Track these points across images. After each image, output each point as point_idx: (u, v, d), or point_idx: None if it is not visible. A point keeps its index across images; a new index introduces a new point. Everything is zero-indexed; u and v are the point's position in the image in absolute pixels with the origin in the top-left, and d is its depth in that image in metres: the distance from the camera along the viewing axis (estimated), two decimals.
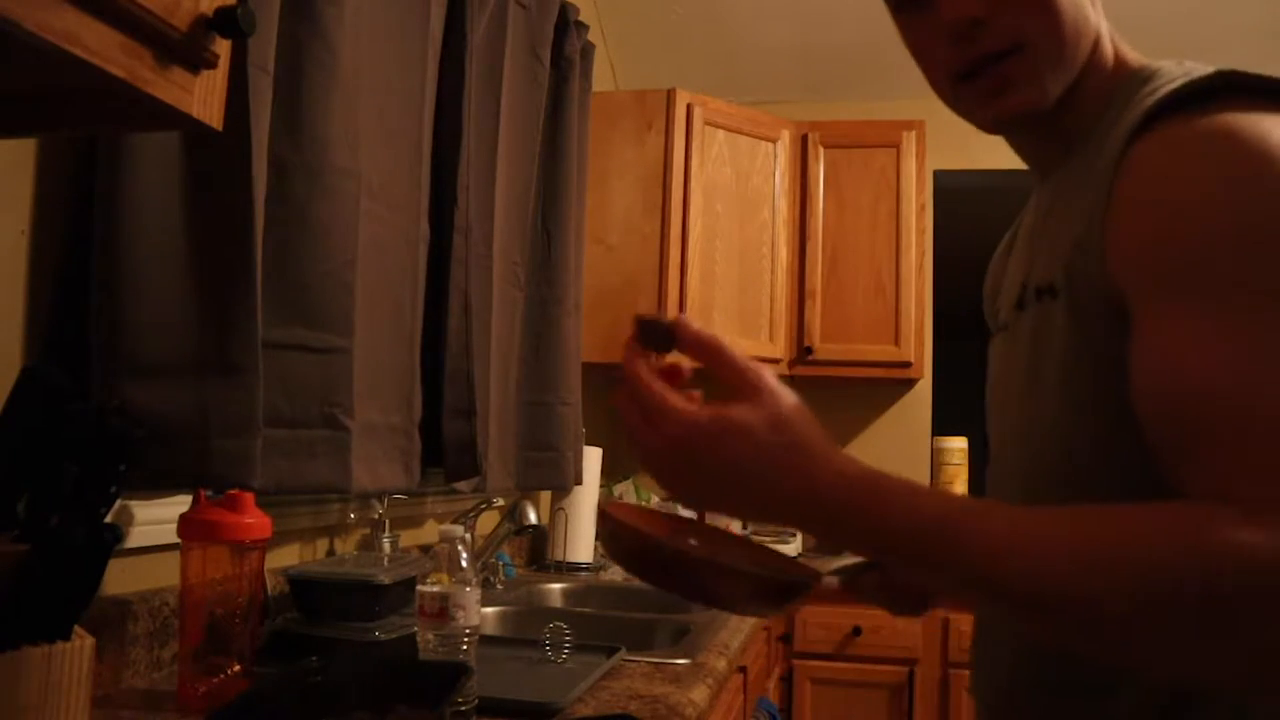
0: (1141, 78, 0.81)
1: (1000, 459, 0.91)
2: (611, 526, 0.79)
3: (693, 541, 0.93)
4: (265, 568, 1.32)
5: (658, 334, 0.72)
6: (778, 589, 0.82)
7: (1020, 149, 0.93)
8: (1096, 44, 0.84)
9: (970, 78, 0.83)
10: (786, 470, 0.67)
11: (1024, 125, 0.86)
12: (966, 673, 1.13)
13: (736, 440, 0.67)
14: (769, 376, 0.70)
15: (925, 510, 0.65)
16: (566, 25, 2.51)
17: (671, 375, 0.72)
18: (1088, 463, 0.78)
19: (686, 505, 0.73)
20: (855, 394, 3.52)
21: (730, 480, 0.68)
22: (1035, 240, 0.89)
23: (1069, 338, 0.78)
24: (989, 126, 0.86)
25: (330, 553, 1.77)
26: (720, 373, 0.70)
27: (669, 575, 0.81)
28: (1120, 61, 0.85)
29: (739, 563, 0.84)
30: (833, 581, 0.99)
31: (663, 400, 0.68)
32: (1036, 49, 0.81)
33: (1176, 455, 0.66)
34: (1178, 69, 0.79)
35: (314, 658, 1.25)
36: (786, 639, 2.91)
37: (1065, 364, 0.79)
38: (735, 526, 2.60)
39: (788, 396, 0.70)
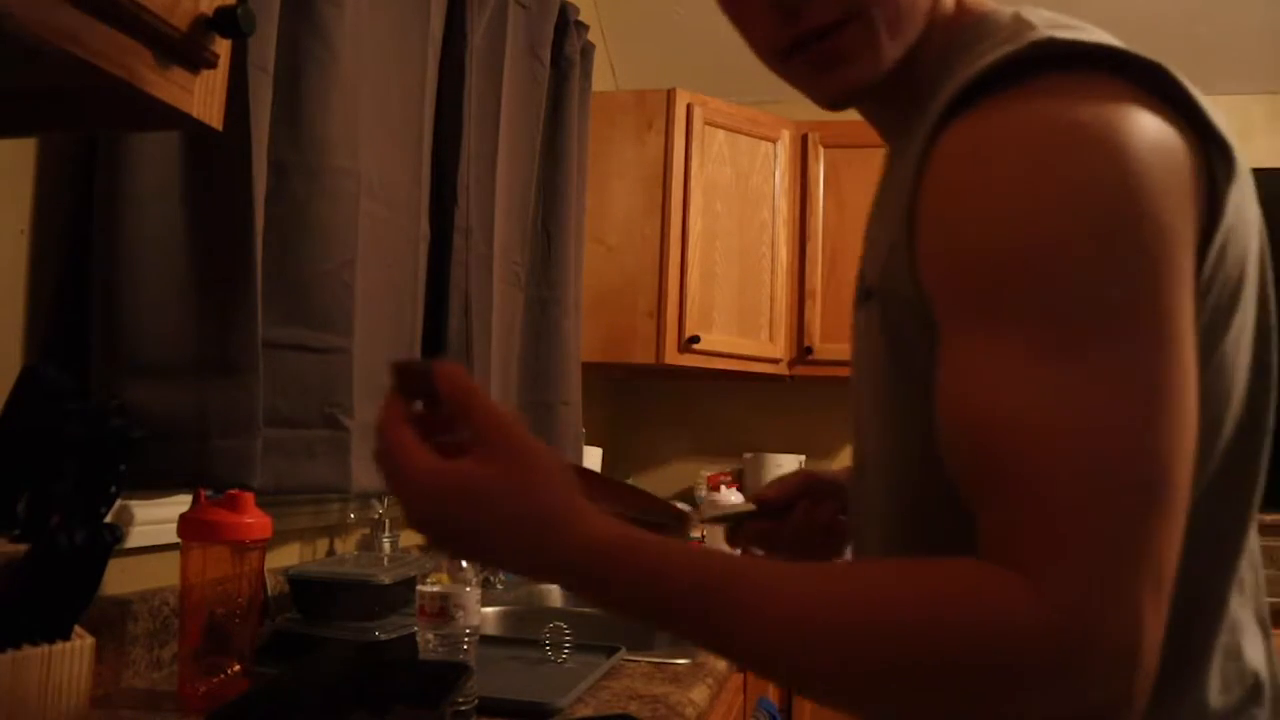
0: (974, 34, 0.72)
1: (860, 438, 0.83)
2: None
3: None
4: (265, 568, 1.32)
5: (414, 380, 0.68)
6: None
7: (865, 114, 0.85)
8: None
9: (797, 50, 0.74)
10: (523, 538, 0.64)
11: (864, 96, 0.78)
12: None
13: (465, 500, 0.64)
14: (516, 435, 0.65)
15: (670, 577, 0.62)
16: (566, 25, 2.51)
17: (441, 423, 0.68)
18: (924, 463, 0.71)
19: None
20: None
21: (464, 537, 0.65)
22: (871, 226, 0.82)
23: (883, 348, 0.73)
24: (825, 104, 0.78)
25: (330, 553, 1.77)
26: (469, 427, 0.66)
27: None
28: (961, 8, 0.77)
29: None
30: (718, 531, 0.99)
31: (399, 450, 0.65)
32: (872, 16, 0.71)
33: (971, 498, 0.61)
34: (1006, 27, 0.70)
35: (314, 658, 1.25)
36: None
37: (881, 371, 0.74)
38: None
39: (534, 458, 0.65)
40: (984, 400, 0.59)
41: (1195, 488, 0.59)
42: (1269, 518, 3.88)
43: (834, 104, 0.78)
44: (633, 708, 1.28)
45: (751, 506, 1.02)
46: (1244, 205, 0.66)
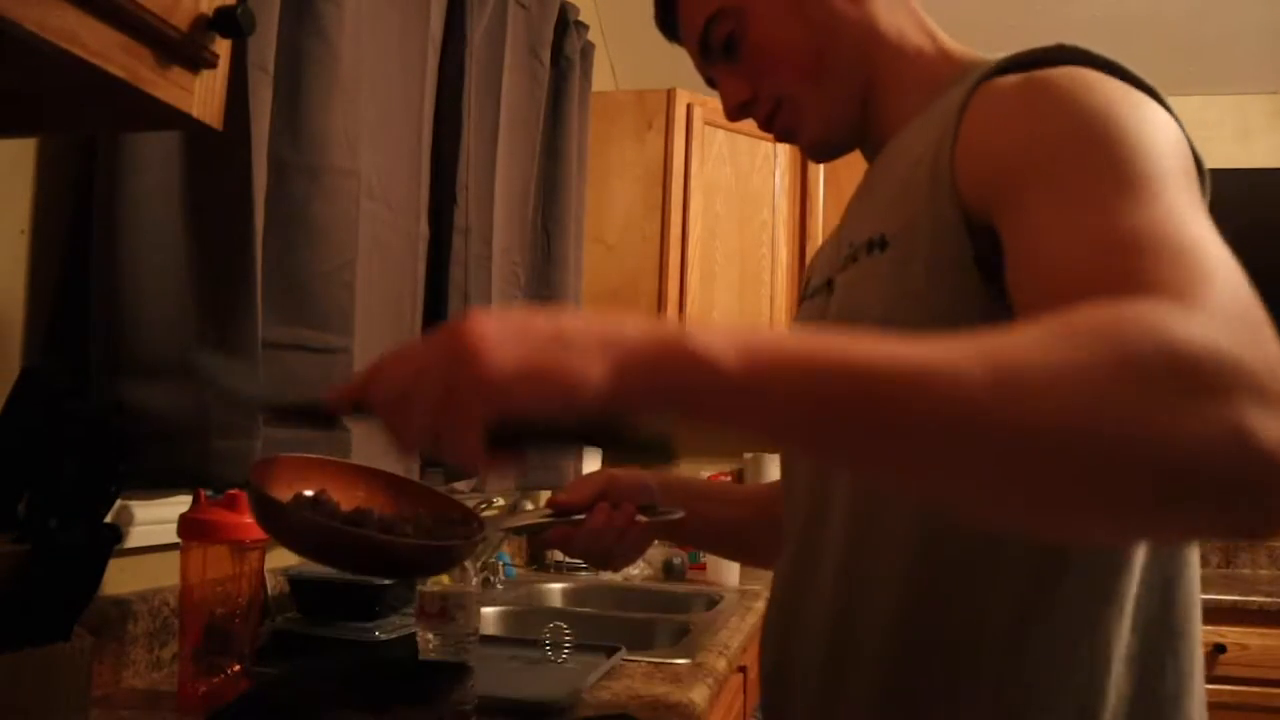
0: (977, 63, 0.83)
1: None
2: (256, 498, 0.82)
3: (378, 501, 0.95)
4: (265, 568, 1.32)
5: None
6: (417, 554, 0.86)
7: (858, 148, 0.99)
8: (892, 42, 0.89)
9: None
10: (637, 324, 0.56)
11: (840, 146, 0.94)
12: None
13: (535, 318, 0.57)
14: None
15: (862, 355, 0.52)
16: (566, 25, 2.51)
17: None
18: None
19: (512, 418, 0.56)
20: None
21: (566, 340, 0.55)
22: (855, 208, 0.93)
23: (891, 287, 0.78)
24: (812, 160, 0.98)
25: None
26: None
27: (299, 540, 0.84)
28: (944, 52, 0.90)
29: (369, 532, 0.86)
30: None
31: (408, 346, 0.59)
32: (794, 97, 0.90)
33: None
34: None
35: (314, 658, 1.25)
36: None
37: (884, 318, 0.77)
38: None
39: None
40: (1090, 236, 0.61)
41: None
42: None
43: (816, 160, 0.98)
44: (633, 708, 1.28)
45: (549, 512, 1.00)
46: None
